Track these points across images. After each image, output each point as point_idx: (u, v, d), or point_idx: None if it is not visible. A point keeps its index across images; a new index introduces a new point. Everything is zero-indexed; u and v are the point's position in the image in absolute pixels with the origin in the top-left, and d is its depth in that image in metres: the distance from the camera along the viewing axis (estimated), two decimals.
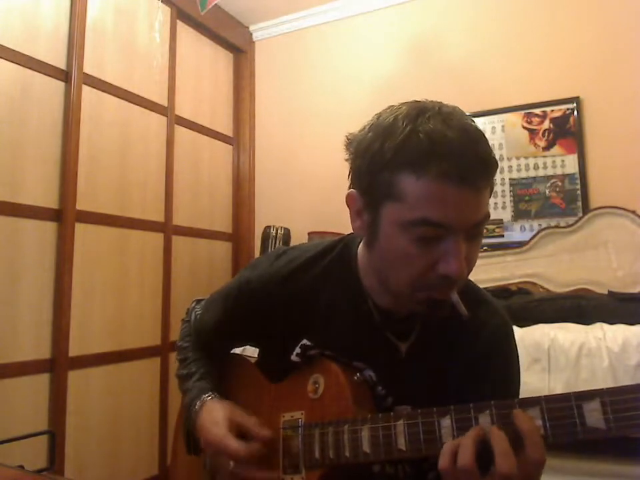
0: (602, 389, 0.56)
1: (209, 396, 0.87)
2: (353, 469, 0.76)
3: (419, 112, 0.66)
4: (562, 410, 0.57)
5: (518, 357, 0.83)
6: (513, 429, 0.58)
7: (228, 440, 0.78)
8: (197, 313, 0.99)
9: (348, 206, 0.75)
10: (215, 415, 0.83)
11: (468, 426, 0.62)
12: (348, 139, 0.74)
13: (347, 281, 0.81)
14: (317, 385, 0.79)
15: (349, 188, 0.74)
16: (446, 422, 0.64)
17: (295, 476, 0.77)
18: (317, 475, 0.75)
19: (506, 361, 0.81)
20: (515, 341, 0.83)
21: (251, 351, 1.00)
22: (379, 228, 0.69)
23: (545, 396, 0.59)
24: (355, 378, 0.78)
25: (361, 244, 0.81)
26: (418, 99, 0.70)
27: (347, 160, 0.74)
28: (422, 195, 0.64)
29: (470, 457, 0.58)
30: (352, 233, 0.86)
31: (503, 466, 0.56)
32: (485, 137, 0.67)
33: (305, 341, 0.82)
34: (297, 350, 0.82)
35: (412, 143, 0.64)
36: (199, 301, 1.03)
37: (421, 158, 0.63)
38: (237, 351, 1.04)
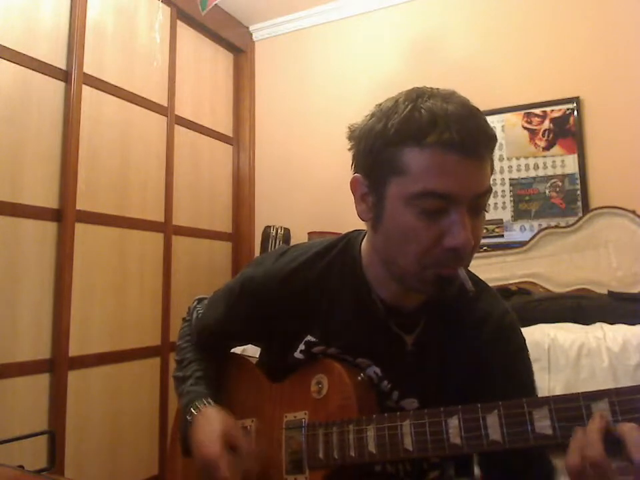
0: (610, 389, 0.56)
1: (205, 403, 0.85)
2: (356, 469, 0.76)
3: (419, 94, 0.68)
4: (570, 410, 0.57)
5: (525, 343, 0.82)
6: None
7: (221, 458, 0.77)
8: (199, 311, 0.98)
9: (352, 191, 0.75)
10: (211, 427, 0.81)
11: (476, 426, 0.62)
12: (350, 129, 0.75)
13: (351, 275, 0.81)
14: (320, 385, 0.79)
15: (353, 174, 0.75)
16: (453, 422, 0.64)
17: (298, 476, 0.77)
18: (321, 475, 0.75)
19: (514, 348, 0.80)
20: (520, 329, 0.82)
21: (252, 351, 1.00)
22: (384, 207, 0.70)
23: (553, 396, 0.59)
24: (359, 378, 0.78)
25: (365, 239, 0.81)
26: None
27: (349, 149, 0.75)
28: (425, 166, 0.65)
29: (601, 450, 0.54)
30: (355, 230, 0.86)
31: None
32: (483, 113, 0.69)
33: (309, 337, 0.81)
34: (301, 347, 0.82)
35: (413, 118, 0.66)
36: (200, 300, 1.02)
37: (423, 130, 0.64)
38: (238, 350, 1.03)
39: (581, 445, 0.55)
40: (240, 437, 0.81)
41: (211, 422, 0.82)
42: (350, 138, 0.75)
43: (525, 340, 0.82)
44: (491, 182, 0.70)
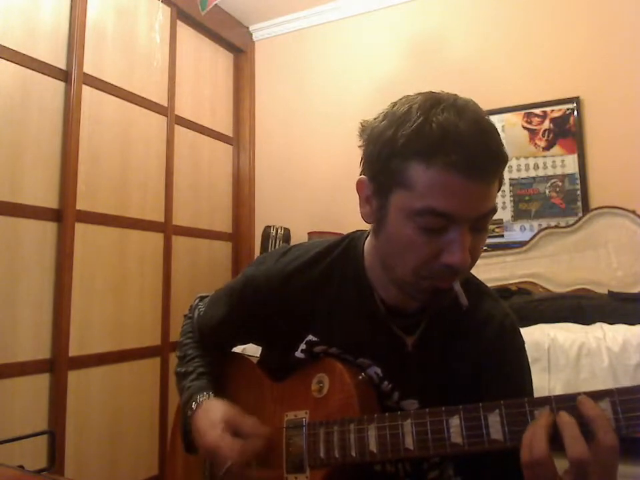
0: (612, 389, 0.56)
1: (205, 396, 0.86)
2: (356, 468, 0.76)
3: (434, 103, 0.67)
4: (571, 409, 0.57)
5: (524, 345, 0.82)
6: (577, 417, 0.56)
7: (223, 440, 0.77)
8: (200, 309, 0.98)
9: (358, 192, 0.75)
10: (211, 416, 0.82)
11: (477, 425, 0.62)
12: (362, 126, 0.75)
13: (353, 276, 0.81)
14: (321, 384, 0.79)
15: (360, 174, 0.75)
16: (454, 421, 0.63)
17: (298, 475, 0.76)
18: (322, 475, 0.75)
19: (514, 350, 0.81)
20: (520, 331, 0.83)
21: (252, 351, 1.00)
22: (386, 215, 0.70)
23: (554, 395, 0.59)
24: (360, 377, 0.78)
25: (367, 239, 0.81)
26: (433, 90, 0.71)
27: (360, 147, 0.74)
28: (429, 185, 0.64)
29: (544, 448, 0.55)
30: (358, 230, 0.86)
31: (575, 451, 0.54)
32: (496, 130, 0.68)
33: (310, 337, 0.81)
34: (303, 346, 0.82)
35: (424, 132, 0.64)
36: (202, 298, 1.02)
37: (431, 148, 0.64)
38: (238, 350, 1.03)
39: (530, 441, 0.57)
40: (242, 421, 0.81)
41: (211, 412, 0.82)
42: (361, 135, 0.74)
43: (524, 342, 0.82)
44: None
